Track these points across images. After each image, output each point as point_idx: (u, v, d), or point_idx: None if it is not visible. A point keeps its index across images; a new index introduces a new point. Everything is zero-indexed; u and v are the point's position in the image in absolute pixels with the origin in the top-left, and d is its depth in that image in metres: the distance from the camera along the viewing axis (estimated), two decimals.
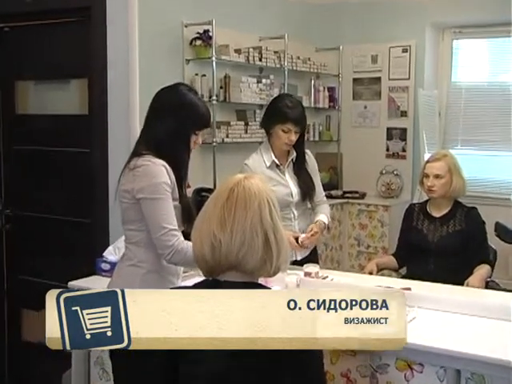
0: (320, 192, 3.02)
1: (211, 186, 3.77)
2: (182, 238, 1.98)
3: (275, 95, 4.63)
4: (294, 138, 2.81)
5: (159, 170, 1.99)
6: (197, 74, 4.08)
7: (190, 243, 1.98)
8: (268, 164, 2.87)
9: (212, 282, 1.39)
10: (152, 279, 2.06)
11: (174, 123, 2.05)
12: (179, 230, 2.00)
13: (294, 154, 2.92)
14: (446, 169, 2.99)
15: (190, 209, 2.10)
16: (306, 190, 2.92)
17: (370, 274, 2.95)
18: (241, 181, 1.40)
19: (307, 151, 3.00)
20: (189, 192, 3.71)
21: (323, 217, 2.95)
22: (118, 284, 2.07)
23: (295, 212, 2.92)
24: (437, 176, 2.99)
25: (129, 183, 2.02)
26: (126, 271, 2.09)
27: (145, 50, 3.63)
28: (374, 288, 2.44)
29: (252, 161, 2.87)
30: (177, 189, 2.06)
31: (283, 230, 1.42)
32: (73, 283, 2.69)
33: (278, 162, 2.89)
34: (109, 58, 3.58)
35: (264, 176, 2.70)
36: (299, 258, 2.92)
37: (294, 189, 2.90)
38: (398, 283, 2.58)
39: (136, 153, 2.06)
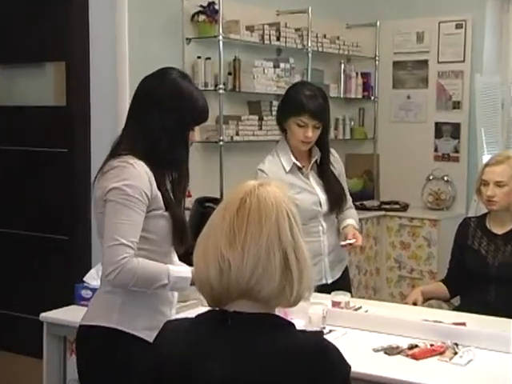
0: (348, 199, 3.05)
1: (217, 196, 3.79)
2: (136, 258, 1.96)
3: None
4: (311, 134, 2.82)
5: (137, 173, 2.00)
6: (199, 57, 4.11)
7: (144, 262, 1.98)
8: (288, 168, 2.89)
9: (218, 314, 1.40)
10: (135, 311, 2.05)
11: (169, 119, 2.07)
12: (134, 248, 1.96)
13: (318, 153, 2.94)
14: (509, 174, 2.98)
15: (183, 222, 2.12)
16: (336, 198, 2.93)
17: (414, 304, 2.94)
18: (254, 188, 1.40)
19: (332, 150, 3.02)
20: (189, 202, 3.75)
21: (352, 221, 2.97)
22: (92, 317, 2.08)
23: (324, 224, 2.93)
24: (498, 183, 2.98)
25: (99, 189, 2.04)
26: (102, 300, 2.09)
27: (136, 27, 3.67)
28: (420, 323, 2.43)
29: (268, 165, 2.88)
30: (161, 197, 2.06)
31: (306, 250, 1.42)
32: (45, 315, 2.71)
33: (299, 165, 2.91)
34: (91, 36, 3.62)
35: (284, 183, 2.71)
36: (330, 281, 2.95)
37: (323, 196, 2.91)
38: (450, 317, 2.57)
39: (113, 154, 2.08)
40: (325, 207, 2.91)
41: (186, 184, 2.19)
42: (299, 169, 2.91)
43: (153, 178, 2.04)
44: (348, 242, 2.86)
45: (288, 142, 2.91)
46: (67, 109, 3.71)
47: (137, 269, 1.94)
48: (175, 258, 2.19)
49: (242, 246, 1.35)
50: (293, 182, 2.85)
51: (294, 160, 2.89)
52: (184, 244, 2.11)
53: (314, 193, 2.90)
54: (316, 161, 2.95)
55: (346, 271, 3.09)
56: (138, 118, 2.10)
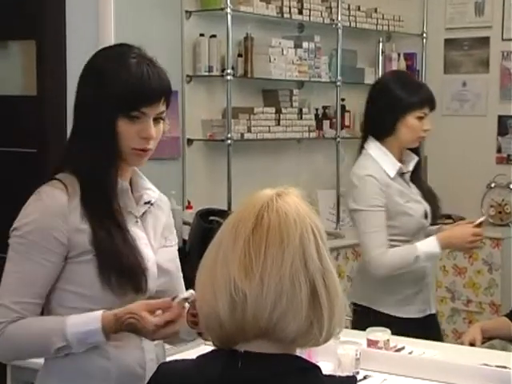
0: None
1: (224, 207, 3.80)
2: (16, 322, 1.79)
3: (323, 67, 4.69)
4: (429, 124, 3.05)
5: (43, 207, 1.85)
6: (202, 35, 4.13)
7: (28, 324, 1.81)
8: (392, 174, 3.00)
9: (225, 355, 1.40)
10: None
11: (87, 104, 1.89)
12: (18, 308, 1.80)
13: (415, 157, 3.10)
14: None
15: (109, 266, 1.84)
16: (437, 206, 3.13)
17: (472, 344, 2.93)
18: (272, 200, 1.40)
19: None
20: (190, 216, 3.76)
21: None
22: None
23: None
24: None
25: None
26: (43, 369, 1.97)
27: None
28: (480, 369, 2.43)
29: (374, 170, 2.98)
30: (91, 235, 1.85)
31: (336, 275, 1.43)
32: None
33: (404, 170, 3.05)
34: (68, 9, 3.64)
35: (395, 190, 2.96)
36: (434, 311, 3.15)
37: (427, 206, 3.08)
38: None
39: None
40: (429, 219, 3.07)
41: (108, 208, 1.89)
42: (402, 174, 3.04)
43: (77, 212, 1.85)
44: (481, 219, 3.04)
45: (386, 143, 3.02)
46: (38, 99, 3.73)
47: (14, 336, 1.79)
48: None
49: (260, 275, 1.35)
50: (401, 190, 3.00)
51: (399, 164, 3.01)
52: (144, 290, 1.89)
53: (421, 202, 3.07)
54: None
55: None
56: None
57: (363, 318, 2.94)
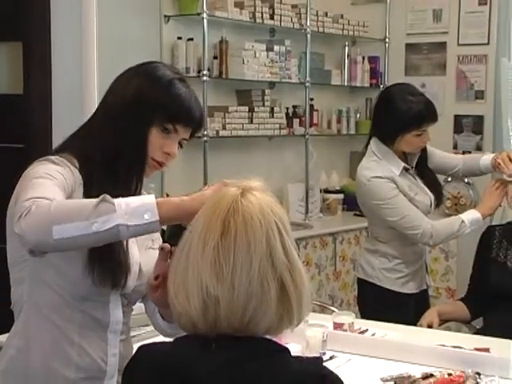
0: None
1: None
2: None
3: (293, 68, 4.70)
4: (429, 136, 3.04)
5: (54, 166, 1.72)
6: (180, 38, 4.12)
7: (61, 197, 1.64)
8: (398, 172, 3.05)
9: (200, 339, 1.40)
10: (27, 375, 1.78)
11: (125, 114, 1.80)
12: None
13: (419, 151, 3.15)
14: None
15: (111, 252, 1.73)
16: (440, 194, 3.22)
17: (429, 326, 2.95)
18: (237, 203, 1.39)
19: None
20: None
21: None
22: None
23: None
24: None
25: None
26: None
27: (105, 3, 3.66)
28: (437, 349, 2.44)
29: (380, 170, 3.01)
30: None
31: (301, 265, 1.43)
32: None
33: (408, 166, 3.09)
34: (53, 12, 3.61)
35: (402, 185, 3.02)
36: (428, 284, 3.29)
37: (431, 195, 3.17)
38: (471, 341, 2.58)
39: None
40: (433, 206, 3.18)
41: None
42: (407, 169, 3.08)
43: (80, 191, 1.76)
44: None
45: (389, 146, 3.04)
46: (24, 97, 3.70)
47: (49, 204, 1.54)
48: (116, 312, 1.86)
49: (231, 280, 1.35)
50: (409, 185, 3.06)
51: (402, 163, 3.05)
52: (121, 285, 1.80)
53: (426, 192, 3.14)
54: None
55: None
56: (96, 124, 1.86)
57: (369, 293, 3.17)
